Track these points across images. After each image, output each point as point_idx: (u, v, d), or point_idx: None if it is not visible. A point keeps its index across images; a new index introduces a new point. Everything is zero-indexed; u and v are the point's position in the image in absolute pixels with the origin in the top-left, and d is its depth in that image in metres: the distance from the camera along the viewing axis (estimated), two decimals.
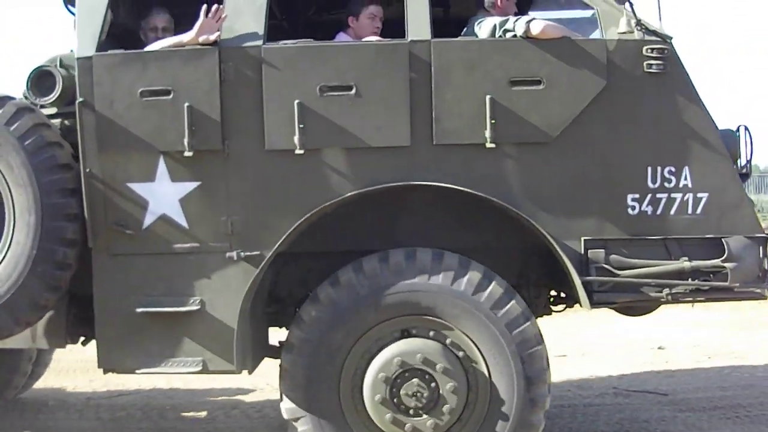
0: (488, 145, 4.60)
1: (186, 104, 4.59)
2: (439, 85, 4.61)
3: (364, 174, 4.67)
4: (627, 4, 4.59)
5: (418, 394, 4.55)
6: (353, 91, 4.62)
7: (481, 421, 4.64)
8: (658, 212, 4.69)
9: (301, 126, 4.59)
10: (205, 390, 7.60)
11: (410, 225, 4.98)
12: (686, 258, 4.65)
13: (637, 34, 4.62)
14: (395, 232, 4.97)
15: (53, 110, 5.13)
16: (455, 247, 4.80)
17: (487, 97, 4.57)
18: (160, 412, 6.96)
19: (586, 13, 5.14)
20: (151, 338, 4.75)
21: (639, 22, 4.61)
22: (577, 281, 4.58)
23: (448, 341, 4.63)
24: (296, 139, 4.60)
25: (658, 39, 4.61)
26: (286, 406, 4.73)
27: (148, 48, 4.84)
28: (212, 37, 4.65)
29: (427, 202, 4.91)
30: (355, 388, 4.66)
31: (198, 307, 4.71)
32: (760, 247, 4.67)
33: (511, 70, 4.61)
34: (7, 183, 4.73)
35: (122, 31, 5.15)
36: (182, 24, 5.12)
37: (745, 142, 4.96)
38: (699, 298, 4.75)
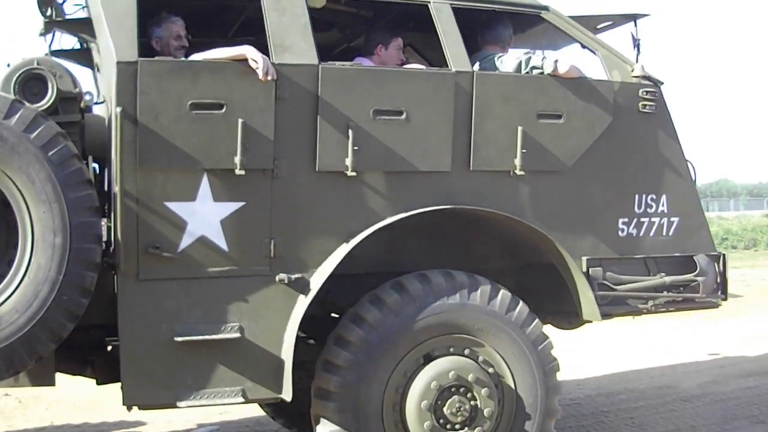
0: (517, 172, 4.93)
1: (240, 120, 4.36)
2: (479, 114, 4.85)
3: (408, 197, 4.77)
4: (635, 50, 5.18)
5: (462, 410, 4.74)
6: (404, 116, 4.70)
7: (513, 416, 4.90)
8: (641, 234, 5.34)
9: (356, 148, 4.57)
10: (97, 424, 7.06)
11: (413, 247, 5.15)
12: (663, 274, 5.36)
13: (635, 79, 5.23)
14: (398, 255, 5.10)
15: None
16: (452, 267, 5.01)
17: (519, 128, 4.89)
18: None
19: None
20: (186, 369, 4.44)
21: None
22: (590, 296, 5.06)
23: (480, 357, 4.87)
24: (348, 161, 4.57)
25: (652, 83, 5.26)
26: (327, 429, 4.66)
27: (198, 57, 4.51)
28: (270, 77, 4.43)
29: (437, 226, 5.10)
30: (397, 406, 4.73)
31: (238, 334, 4.49)
32: (715, 264, 5.52)
33: (538, 104, 4.98)
34: (24, 199, 4.15)
35: None
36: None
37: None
38: (671, 309, 5.48)
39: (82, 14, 5.41)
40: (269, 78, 4.38)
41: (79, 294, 4.22)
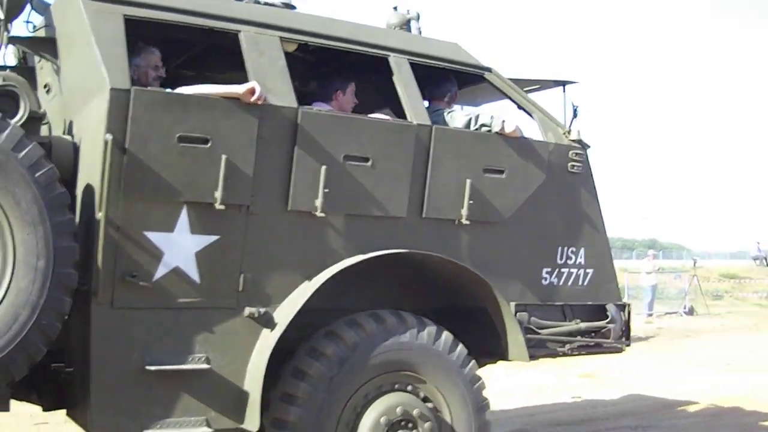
0: (463, 221, 5.32)
1: (224, 156, 4.50)
2: (434, 165, 5.21)
3: (367, 239, 5.05)
4: (572, 114, 5.73)
5: None
6: (369, 163, 4.99)
7: None
8: (560, 283, 5.86)
9: (326, 190, 4.81)
10: None
11: (348, 286, 5.26)
12: (578, 320, 5.89)
13: (566, 141, 5.77)
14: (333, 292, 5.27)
15: None
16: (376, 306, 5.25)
17: (468, 181, 5.30)
18: None
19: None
20: (154, 397, 4.48)
21: (569, 132, 5.78)
22: (520, 339, 5.49)
23: (422, 394, 5.15)
24: (318, 202, 4.80)
25: (580, 146, 5.82)
26: None
27: (188, 90, 4.61)
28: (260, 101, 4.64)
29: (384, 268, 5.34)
30: None
31: (205, 365, 4.58)
32: (621, 313, 6.12)
33: (485, 159, 5.41)
34: (8, 220, 4.08)
35: None
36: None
37: None
38: (582, 352, 6.01)
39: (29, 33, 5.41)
40: (260, 102, 4.58)
41: (56, 319, 4.19)
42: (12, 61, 5.89)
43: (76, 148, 4.68)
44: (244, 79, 4.79)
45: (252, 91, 4.56)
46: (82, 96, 4.73)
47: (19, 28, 5.49)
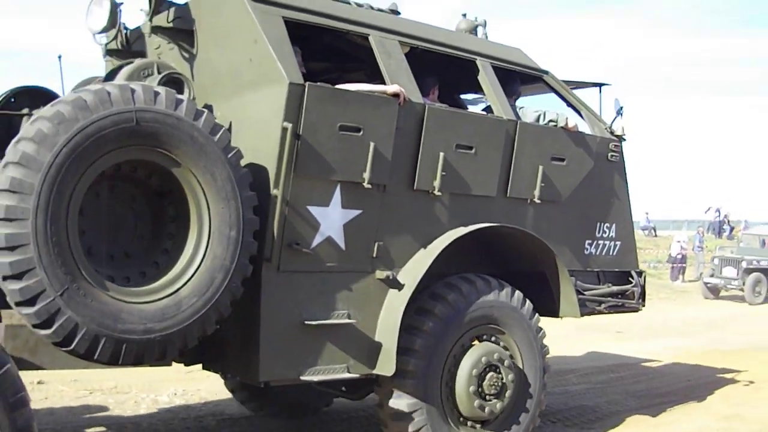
0: (535, 200, 6.32)
1: (372, 143, 5.30)
2: (518, 154, 6.17)
3: (466, 214, 5.97)
4: (618, 113, 6.79)
5: (495, 384, 5.99)
6: (473, 151, 5.90)
7: (520, 391, 6.19)
8: (597, 253, 6.97)
9: (443, 173, 5.69)
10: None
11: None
12: (609, 284, 7.02)
13: (607, 134, 6.85)
14: None
15: None
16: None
17: (540, 167, 6.30)
18: None
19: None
20: (308, 348, 5.25)
21: (610, 127, 6.86)
22: (574, 298, 6.54)
23: (503, 344, 6.16)
24: (436, 182, 5.68)
25: (617, 139, 6.91)
26: (401, 399, 5.67)
27: (348, 87, 5.37)
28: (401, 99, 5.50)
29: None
30: (446, 382, 5.87)
31: (347, 320, 5.39)
32: (639, 278, 7.29)
33: (552, 149, 6.43)
34: (205, 195, 4.76)
35: None
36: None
37: None
38: (611, 311, 7.15)
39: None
40: (400, 104, 5.46)
41: (241, 281, 4.90)
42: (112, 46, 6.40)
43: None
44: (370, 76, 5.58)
45: (398, 94, 5.44)
46: (234, 85, 5.40)
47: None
